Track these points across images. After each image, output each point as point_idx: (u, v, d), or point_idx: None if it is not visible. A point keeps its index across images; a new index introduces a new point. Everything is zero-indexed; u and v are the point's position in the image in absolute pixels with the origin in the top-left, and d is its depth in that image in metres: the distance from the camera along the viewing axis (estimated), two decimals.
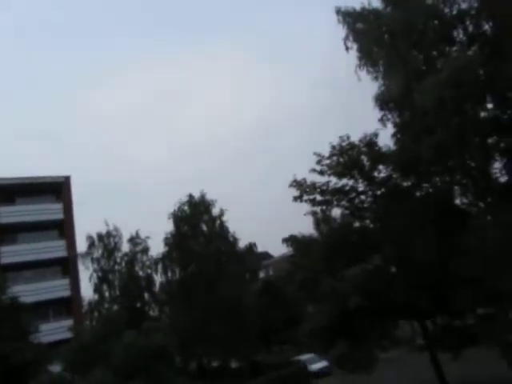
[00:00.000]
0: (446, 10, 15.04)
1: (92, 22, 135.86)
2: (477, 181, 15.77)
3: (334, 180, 19.70)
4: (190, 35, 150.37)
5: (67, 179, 39.80)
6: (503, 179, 15.94)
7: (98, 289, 35.47)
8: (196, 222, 35.34)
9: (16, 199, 37.50)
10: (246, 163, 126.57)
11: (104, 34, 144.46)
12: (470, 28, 14.97)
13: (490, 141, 15.38)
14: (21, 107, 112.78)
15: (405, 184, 19.21)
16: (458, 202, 17.40)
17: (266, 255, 56.56)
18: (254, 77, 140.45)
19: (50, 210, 38.20)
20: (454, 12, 14.92)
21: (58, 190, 39.37)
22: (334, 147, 19.40)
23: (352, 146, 19.25)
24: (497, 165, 15.88)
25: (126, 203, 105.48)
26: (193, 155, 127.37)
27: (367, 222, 21.14)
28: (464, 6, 14.77)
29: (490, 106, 15.45)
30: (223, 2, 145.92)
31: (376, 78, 16.91)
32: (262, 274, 48.59)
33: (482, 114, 15.43)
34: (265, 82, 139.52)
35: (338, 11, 16.51)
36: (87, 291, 36.49)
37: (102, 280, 35.69)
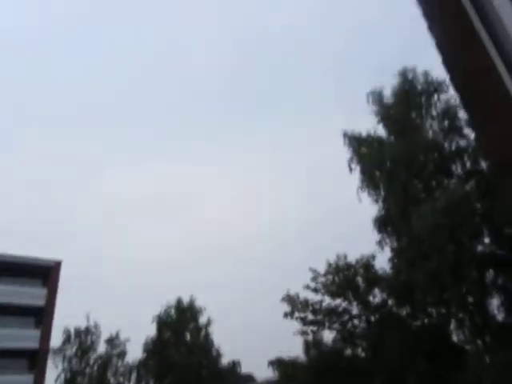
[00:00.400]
0: (446, 145, 15.98)
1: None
2: (474, 316, 15.25)
3: (327, 299, 19.32)
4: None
5: (57, 264, 38.68)
6: (500, 317, 15.40)
7: None
8: (181, 330, 33.57)
9: (0, 277, 36.23)
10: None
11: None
12: (468, 164, 15.75)
13: (487, 275, 15.18)
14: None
15: (400, 312, 18.68)
16: (454, 335, 16.64)
17: (249, 378, 52.44)
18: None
19: (32, 295, 36.58)
20: (453, 148, 15.85)
21: (46, 273, 38.18)
22: (330, 265, 19.30)
23: (348, 266, 19.20)
24: (494, 301, 15.44)
25: (112, 296, 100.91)
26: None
27: (359, 349, 20.20)
28: (462, 143, 15.72)
29: (486, 240, 15.54)
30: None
31: (376, 201, 17.39)
32: None
33: (479, 248, 15.45)
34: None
35: (345, 134, 17.59)
36: None
37: (69, 383, 32.82)
